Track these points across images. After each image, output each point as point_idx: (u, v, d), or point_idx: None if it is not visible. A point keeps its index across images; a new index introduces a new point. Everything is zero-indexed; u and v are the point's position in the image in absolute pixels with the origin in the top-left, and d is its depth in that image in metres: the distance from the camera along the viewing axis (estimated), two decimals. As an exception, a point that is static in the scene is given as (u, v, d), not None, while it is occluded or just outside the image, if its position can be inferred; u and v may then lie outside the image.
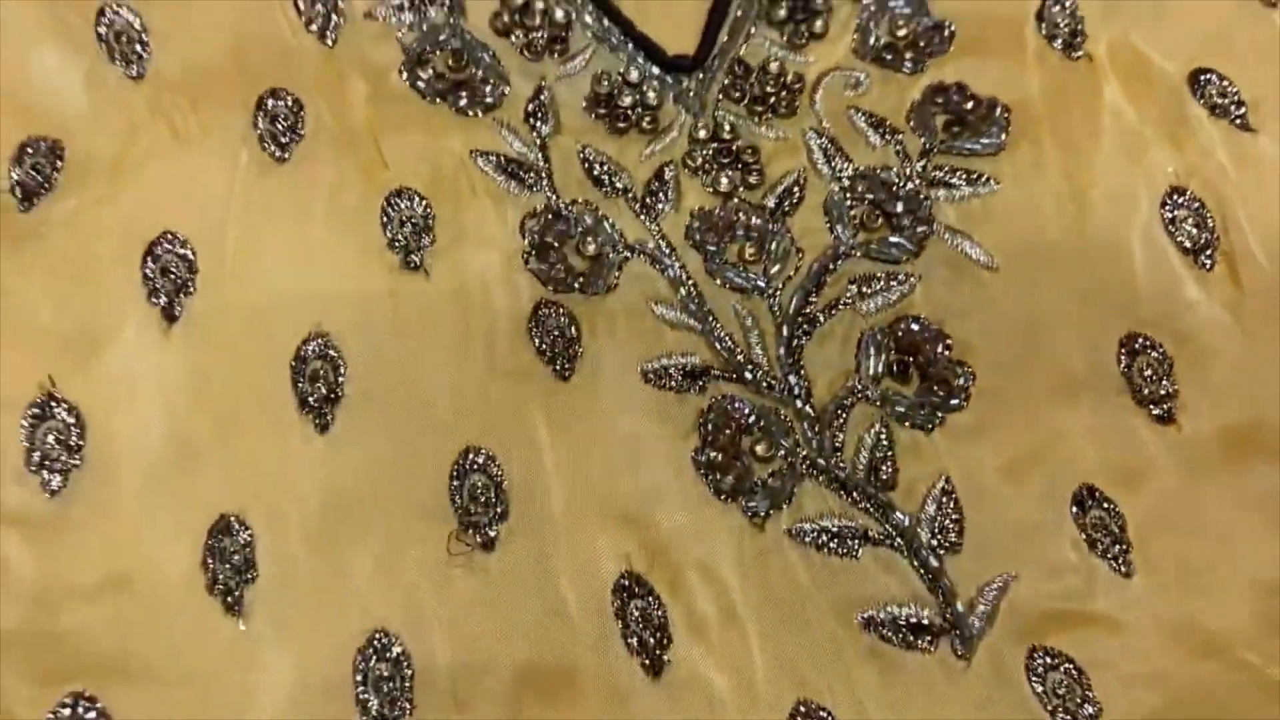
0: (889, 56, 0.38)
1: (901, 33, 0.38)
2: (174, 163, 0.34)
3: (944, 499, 0.32)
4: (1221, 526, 0.33)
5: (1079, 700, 0.30)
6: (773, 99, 0.37)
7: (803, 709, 0.30)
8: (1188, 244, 0.36)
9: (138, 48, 0.36)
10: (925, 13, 0.38)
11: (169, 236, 0.33)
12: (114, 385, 0.32)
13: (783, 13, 0.38)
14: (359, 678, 0.30)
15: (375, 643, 0.30)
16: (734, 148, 0.36)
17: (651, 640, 0.30)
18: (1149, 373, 0.34)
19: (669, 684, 0.30)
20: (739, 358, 0.34)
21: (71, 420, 0.31)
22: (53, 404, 0.32)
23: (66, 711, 0.29)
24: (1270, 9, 0.39)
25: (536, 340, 0.33)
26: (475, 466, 0.32)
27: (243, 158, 0.34)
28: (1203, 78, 0.38)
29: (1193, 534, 0.33)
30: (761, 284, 0.34)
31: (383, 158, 0.35)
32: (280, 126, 0.35)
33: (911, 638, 0.30)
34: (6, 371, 0.32)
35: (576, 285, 0.34)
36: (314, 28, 0.36)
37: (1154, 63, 0.38)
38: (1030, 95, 0.37)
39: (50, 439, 0.31)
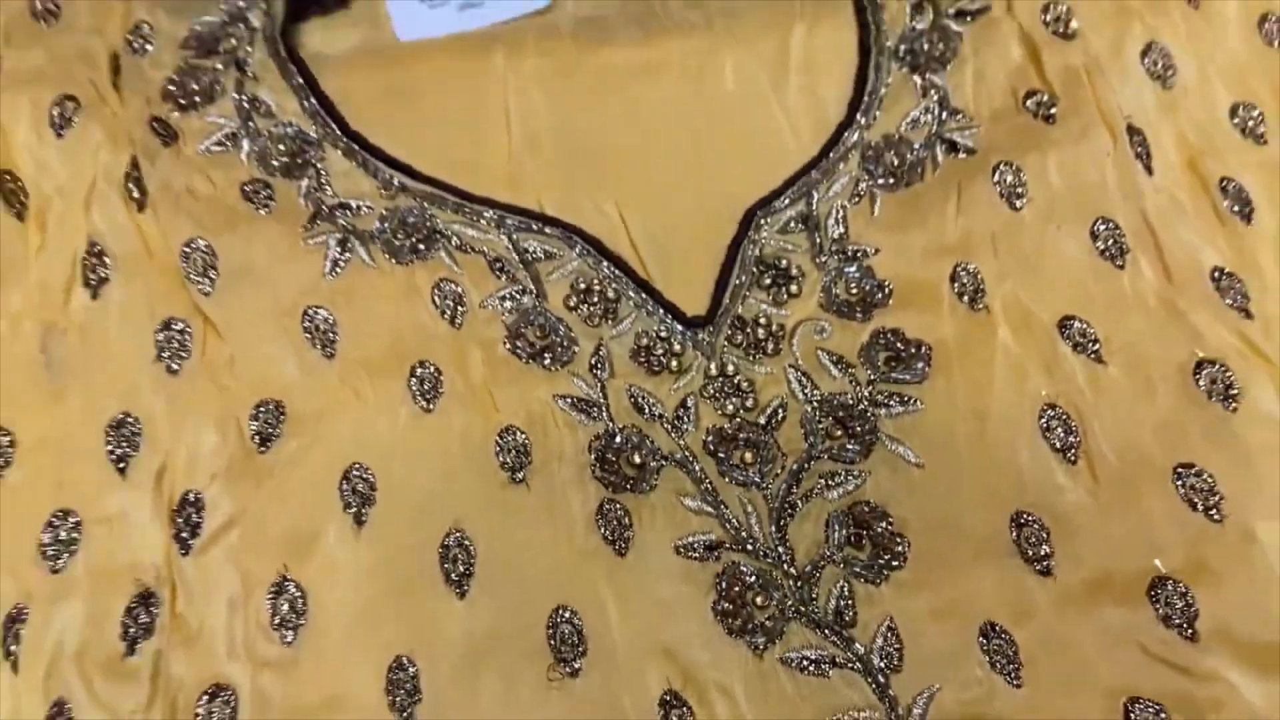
0: (845, 309, 0.46)
1: (854, 291, 0.47)
2: (358, 416, 0.43)
3: (889, 634, 0.40)
4: (1084, 651, 0.40)
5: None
6: (762, 344, 0.46)
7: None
8: (1058, 445, 0.43)
9: (330, 336, 0.45)
10: (871, 277, 0.47)
11: (357, 466, 0.42)
12: (324, 570, 0.41)
13: (769, 280, 0.47)
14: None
15: None
16: (736, 381, 0.45)
17: (686, 742, 0.39)
18: (1032, 539, 0.41)
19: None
20: (743, 534, 0.42)
21: (299, 594, 0.41)
22: (286, 582, 0.41)
23: None
24: (1119, 270, 0.47)
25: (602, 529, 0.42)
26: (563, 619, 0.40)
27: (402, 412, 0.43)
28: (1068, 322, 0.45)
29: (1064, 656, 0.40)
30: (758, 480, 0.43)
31: (495, 406, 0.44)
32: (426, 388, 0.44)
33: (868, 736, 0.39)
34: (256, 565, 0.41)
35: (628, 487, 0.42)
36: (446, 316, 0.45)
37: (1033, 312, 0.45)
38: (945, 337, 0.45)
39: (286, 606, 0.41)
